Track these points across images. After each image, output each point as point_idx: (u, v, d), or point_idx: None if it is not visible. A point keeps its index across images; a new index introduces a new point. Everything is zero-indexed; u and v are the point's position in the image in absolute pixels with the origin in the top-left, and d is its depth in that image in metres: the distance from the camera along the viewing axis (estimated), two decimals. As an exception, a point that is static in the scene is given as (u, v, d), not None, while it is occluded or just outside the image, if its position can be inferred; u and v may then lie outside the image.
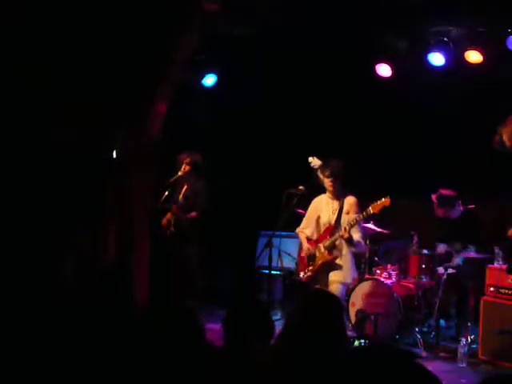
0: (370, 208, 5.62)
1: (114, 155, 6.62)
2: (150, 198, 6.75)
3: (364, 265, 7.02)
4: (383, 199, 5.58)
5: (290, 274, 8.04)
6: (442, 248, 7.08)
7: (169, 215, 6.87)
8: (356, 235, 5.77)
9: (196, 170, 6.87)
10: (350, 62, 7.36)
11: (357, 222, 5.71)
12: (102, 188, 6.45)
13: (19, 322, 3.10)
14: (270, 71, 7.79)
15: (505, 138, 4.82)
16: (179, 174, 6.84)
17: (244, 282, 8.36)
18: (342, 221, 5.88)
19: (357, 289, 6.66)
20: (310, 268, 5.97)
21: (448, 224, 7.00)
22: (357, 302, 6.79)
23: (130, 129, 6.54)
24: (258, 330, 2.86)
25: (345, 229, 5.67)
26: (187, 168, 6.84)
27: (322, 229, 6.02)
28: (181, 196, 6.91)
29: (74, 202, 5.72)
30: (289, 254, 7.99)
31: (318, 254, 5.95)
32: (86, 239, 6.03)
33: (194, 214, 6.81)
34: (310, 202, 6.23)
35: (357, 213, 5.81)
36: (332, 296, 2.89)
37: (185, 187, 6.93)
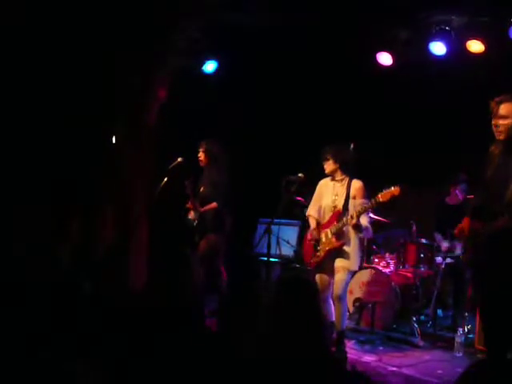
0: (379, 196, 5.40)
1: (113, 141, 6.62)
2: (149, 183, 6.74)
3: (362, 253, 7.00)
4: (392, 188, 5.37)
5: (288, 262, 8.04)
6: (440, 238, 7.09)
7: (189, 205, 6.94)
8: (364, 220, 5.62)
9: (213, 159, 6.86)
10: (351, 50, 7.32)
11: (366, 210, 5.55)
12: (100, 174, 6.46)
13: (17, 317, 3.10)
14: (270, 58, 7.75)
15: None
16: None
17: (240, 269, 8.36)
18: (349, 205, 5.70)
19: (355, 277, 6.67)
20: (317, 254, 5.78)
21: (445, 211, 7.01)
22: (355, 290, 6.81)
23: (129, 115, 6.54)
24: (251, 316, 2.88)
25: (351, 216, 5.50)
26: (203, 157, 6.86)
27: (324, 212, 5.85)
28: (200, 187, 6.94)
29: (71, 189, 5.72)
30: (287, 242, 7.98)
31: (324, 240, 5.75)
32: (82, 226, 6.03)
33: (214, 204, 6.79)
34: (309, 190, 6.17)
35: (363, 198, 5.65)
36: (304, 280, 2.89)
37: (204, 178, 6.96)
